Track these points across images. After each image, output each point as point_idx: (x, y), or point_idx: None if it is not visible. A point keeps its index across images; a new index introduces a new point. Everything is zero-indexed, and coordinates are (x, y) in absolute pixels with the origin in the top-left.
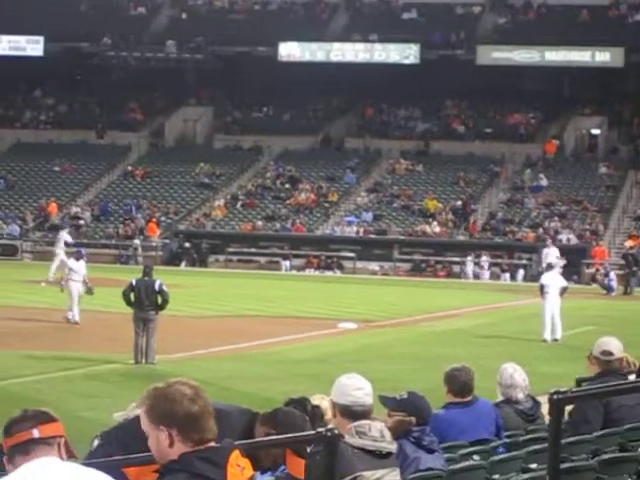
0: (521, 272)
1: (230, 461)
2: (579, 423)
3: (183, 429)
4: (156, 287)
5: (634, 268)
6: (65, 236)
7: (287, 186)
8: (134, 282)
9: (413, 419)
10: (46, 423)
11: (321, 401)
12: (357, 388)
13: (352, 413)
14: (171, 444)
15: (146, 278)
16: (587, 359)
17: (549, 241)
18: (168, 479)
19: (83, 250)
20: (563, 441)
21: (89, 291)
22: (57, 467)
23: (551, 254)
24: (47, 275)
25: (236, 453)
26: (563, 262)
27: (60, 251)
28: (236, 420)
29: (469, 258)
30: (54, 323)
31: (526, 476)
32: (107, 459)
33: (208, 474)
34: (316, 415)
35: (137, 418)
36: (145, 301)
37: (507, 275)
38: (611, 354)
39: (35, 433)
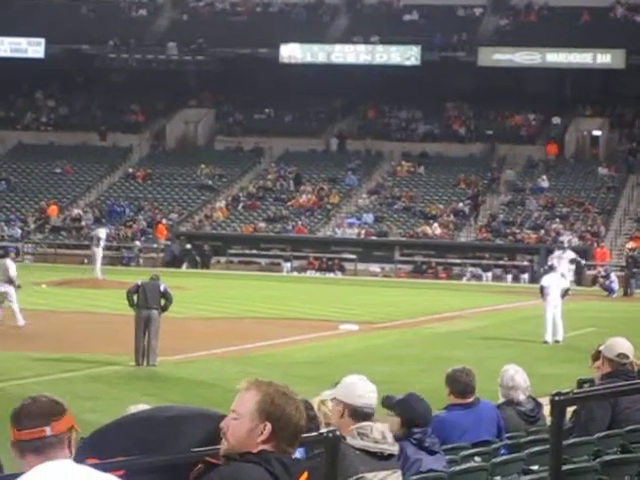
0: (526, 273)
1: (301, 478)
2: (587, 422)
3: (282, 435)
4: (161, 289)
5: (634, 269)
6: (101, 233)
7: (291, 186)
8: (140, 283)
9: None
10: (59, 418)
11: (322, 404)
12: (370, 390)
13: (362, 415)
14: (265, 441)
15: (153, 281)
16: (592, 359)
17: (565, 245)
18: (244, 466)
19: (12, 249)
20: (565, 442)
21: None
22: (71, 471)
23: (565, 258)
24: (94, 274)
25: (306, 475)
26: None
27: (98, 249)
28: (199, 426)
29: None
30: (55, 325)
31: (527, 478)
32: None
33: (281, 478)
34: (314, 418)
35: (114, 426)
36: (150, 300)
37: (509, 277)
38: (627, 357)
39: (48, 431)
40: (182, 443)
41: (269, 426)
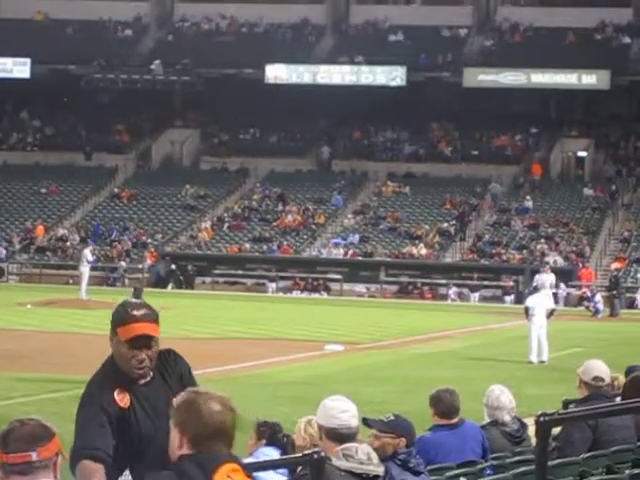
0: (512, 294)
1: (220, 471)
2: (564, 446)
3: (193, 440)
4: None
5: (618, 290)
6: (87, 254)
7: (277, 207)
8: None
9: (404, 440)
10: (46, 443)
11: (307, 426)
12: (343, 410)
13: (338, 436)
14: (180, 447)
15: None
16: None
17: (547, 267)
18: (155, 476)
19: None
20: (550, 463)
21: None
22: None
23: (546, 280)
24: (79, 295)
25: (232, 466)
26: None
27: (85, 269)
28: None
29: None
30: (42, 345)
31: None
32: None
33: (192, 477)
34: (287, 443)
35: None
36: None
37: (494, 297)
38: (603, 380)
39: (34, 456)
40: None
41: (179, 433)
